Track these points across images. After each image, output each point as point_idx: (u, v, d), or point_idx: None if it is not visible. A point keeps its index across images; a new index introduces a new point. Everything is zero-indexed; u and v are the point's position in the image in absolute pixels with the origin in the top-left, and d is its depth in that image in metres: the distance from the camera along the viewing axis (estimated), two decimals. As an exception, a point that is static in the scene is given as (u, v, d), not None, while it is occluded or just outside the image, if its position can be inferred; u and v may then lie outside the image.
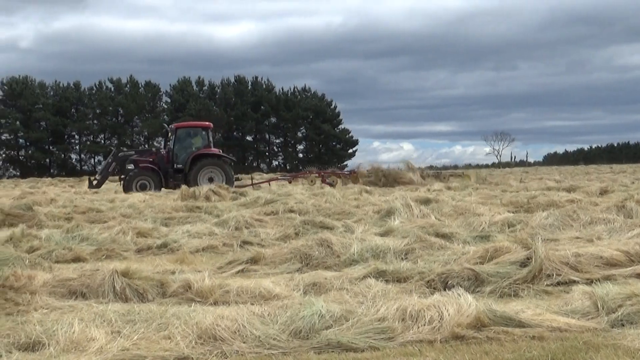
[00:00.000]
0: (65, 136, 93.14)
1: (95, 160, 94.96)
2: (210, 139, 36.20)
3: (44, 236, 11.80)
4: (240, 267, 9.21)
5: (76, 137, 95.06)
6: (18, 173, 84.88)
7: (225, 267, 9.38)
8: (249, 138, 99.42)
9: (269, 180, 40.62)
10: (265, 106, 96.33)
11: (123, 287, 7.35)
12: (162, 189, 32.67)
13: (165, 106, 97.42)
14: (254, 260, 9.46)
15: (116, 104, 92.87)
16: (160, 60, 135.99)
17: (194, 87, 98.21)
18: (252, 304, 6.46)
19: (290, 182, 37.67)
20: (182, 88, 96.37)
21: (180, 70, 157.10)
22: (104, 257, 10.64)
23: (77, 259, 10.28)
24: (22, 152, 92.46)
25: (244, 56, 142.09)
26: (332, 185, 34.21)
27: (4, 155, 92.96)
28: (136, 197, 23.48)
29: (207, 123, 38.24)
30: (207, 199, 21.50)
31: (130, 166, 34.91)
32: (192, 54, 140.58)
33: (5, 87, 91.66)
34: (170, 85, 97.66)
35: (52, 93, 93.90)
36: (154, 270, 8.56)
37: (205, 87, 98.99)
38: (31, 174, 75.43)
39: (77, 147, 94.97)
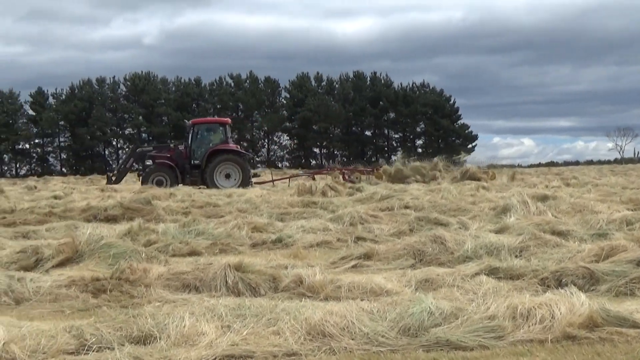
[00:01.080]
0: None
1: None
2: (228, 135, 36.03)
3: (160, 230, 12.07)
4: (353, 263, 9.23)
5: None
6: (140, 167, 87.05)
7: (338, 262, 9.42)
8: (367, 133, 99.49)
9: (289, 177, 40.55)
10: (383, 101, 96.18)
11: (235, 281, 7.44)
12: (180, 185, 32.82)
13: (284, 101, 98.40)
14: (367, 256, 9.46)
15: (236, 99, 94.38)
16: (280, 57, 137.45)
17: (312, 83, 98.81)
18: (362, 300, 6.45)
19: (314, 179, 37.17)
20: (301, 84, 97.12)
21: (300, 66, 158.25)
22: (218, 251, 10.83)
23: (192, 253, 10.48)
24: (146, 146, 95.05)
25: (364, 52, 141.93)
26: (353, 182, 33.34)
27: (127, 149, 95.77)
28: (253, 192, 23.81)
29: (225, 119, 38.34)
30: (324, 194, 21.62)
31: (149, 162, 35.36)
32: (313, 50, 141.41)
33: (129, 83, 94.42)
34: (289, 81, 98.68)
35: (173, 89, 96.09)
36: (267, 264, 8.64)
37: (324, 83, 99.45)
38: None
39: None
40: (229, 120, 38.04)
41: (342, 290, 7.15)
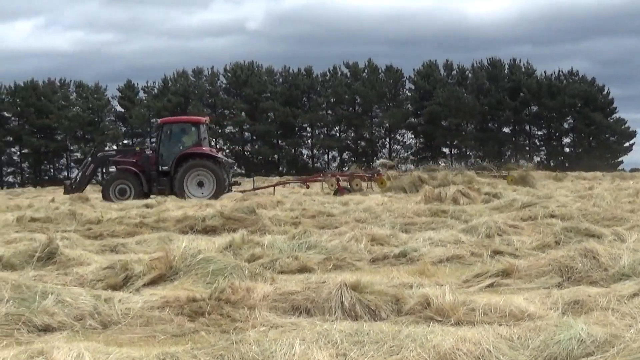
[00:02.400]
0: (296, 128, 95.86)
1: (329, 156, 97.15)
2: (202, 136, 35.32)
3: (266, 243, 12.17)
4: (489, 281, 9.14)
5: (308, 129, 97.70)
6: (243, 171, 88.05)
7: (472, 280, 9.34)
8: (505, 130, 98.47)
9: (274, 185, 39.69)
10: (524, 93, 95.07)
11: (352, 303, 7.45)
12: (147, 195, 32.38)
13: (409, 94, 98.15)
14: (505, 273, 9.35)
15: (353, 91, 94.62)
16: (403, 42, 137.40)
17: (441, 72, 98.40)
18: (500, 325, 6.38)
19: (307, 187, 36.99)
20: (428, 73, 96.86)
21: (426, 53, 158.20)
22: (333, 267, 10.87)
23: (303, 269, 10.56)
24: (248, 147, 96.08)
25: (502, 35, 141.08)
26: (349, 190, 33.13)
27: (227, 150, 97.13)
28: (373, 199, 23.84)
29: (198, 118, 37.72)
30: (455, 201, 21.49)
31: (113, 169, 35.04)
32: (440, 34, 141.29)
33: (229, 74, 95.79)
34: (414, 70, 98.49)
35: (280, 80, 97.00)
36: (388, 283, 8.63)
37: (454, 72, 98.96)
38: (258, 171, 77.89)
39: (309, 141, 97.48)
40: (203, 119, 37.28)
41: (476, 314, 7.09)
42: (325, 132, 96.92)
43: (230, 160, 39.77)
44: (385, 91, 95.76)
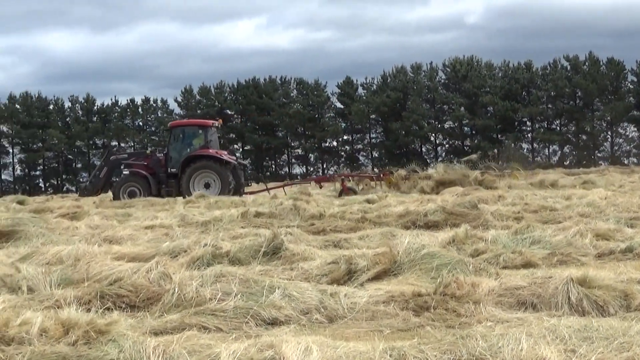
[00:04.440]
0: (516, 123, 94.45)
1: (550, 150, 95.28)
2: (210, 138, 35.37)
3: (489, 238, 12.09)
4: None
5: (528, 123, 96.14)
6: (463, 166, 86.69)
7: None
8: None
9: (283, 185, 38.87)
10: None
11: (579, 298, 7.31)
12: (154, 196, 31.95)
13: (631, 86, 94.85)
14: None
15: (573, 85, 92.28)
16: (625, 34, 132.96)
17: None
18: None
19: (320, 187, 35.97)
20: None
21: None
22: (557, 262, 10.68)
23: (527, 265, 10.39)
24: (467, 142, 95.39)
25: None
26: (355, 191, 31.90)
27: (447, 145, 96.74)
28: (596, 193, 23.22)
29: (206, 121, 37.65)
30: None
31: (126, 171, 35.19)
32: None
33: (448, 69, 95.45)
34: (636, 62, 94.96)
35: (500, 74, 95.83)
36: (616, 278, 8.39)
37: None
38: (477, 166, 76.99)
39: (529, 135, 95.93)
40: (211, 122, 37.45)
41: None
42: (546, 125, 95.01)
43: (243, 162, 40.86)
44: (606, 84, 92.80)
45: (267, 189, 37.42)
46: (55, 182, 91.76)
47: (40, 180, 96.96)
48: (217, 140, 38.35)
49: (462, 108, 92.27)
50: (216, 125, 37.93)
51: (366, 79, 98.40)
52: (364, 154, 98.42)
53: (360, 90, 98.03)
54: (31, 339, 5.80)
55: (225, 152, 38.25)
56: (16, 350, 5.68)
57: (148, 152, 40.08)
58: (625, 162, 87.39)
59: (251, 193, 36.02)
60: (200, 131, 36.57)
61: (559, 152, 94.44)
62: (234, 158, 38.09)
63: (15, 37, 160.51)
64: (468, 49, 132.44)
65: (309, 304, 7.68)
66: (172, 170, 35.55)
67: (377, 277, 9.22)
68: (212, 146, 36.15)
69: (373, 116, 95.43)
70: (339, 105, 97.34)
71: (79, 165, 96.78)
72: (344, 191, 32.18)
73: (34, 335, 5.84)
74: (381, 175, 35.82)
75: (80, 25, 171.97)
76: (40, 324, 5.95)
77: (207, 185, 34.67)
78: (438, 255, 9.46)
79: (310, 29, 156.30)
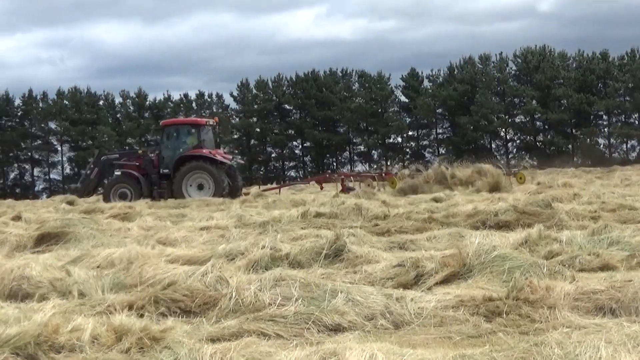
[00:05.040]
0: (591, 117, 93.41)
1: (628, 146, 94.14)
2: (204, 137, 35.55)
3: (564, 239, 11.97)
4: None
5: (604, 117, 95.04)
6: (535, 162, 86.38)
7: None
8: None
9: (279, 187, 39.56)
10: None
11: (661, 303, 7.23)
12: (146, 198, 32.07)
13: None
14: None
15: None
16: None
17: None
18: None
19: (322, 188, 35.92)
20: None
21: None
22: (637, 264, 10.53)
23: (604, 267, 10.26)
24: (540, 137, 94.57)
25: None
26: (353, 190, 31.94)
27: (518, 141, 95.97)
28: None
29: (198, 120, 37.87)
30: None
31: (118, 172, 35.44)
32: None
33: (519, 60, 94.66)
34: None
35: (574, 65, 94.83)
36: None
37: None
38: (550, 163, 76.32)
39: (606, 130, 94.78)
40: (204, 120, 37.62)
41: None
42: (623, 119, 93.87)
43: (240, 162, 41.55)
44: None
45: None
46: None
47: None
48: (212, 139, 38.86)
49: (534, 101, 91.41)
50: (211, 123, 38.45)
51: (432, 70, 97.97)
52: (430, 150, 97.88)
53: (425, 82, 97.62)
54: (82, 346, 5.87)
55: (222, 152, 38.98)
56: (66, 357, 5.76)
57: (140, 152, 40.29)
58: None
59: (246, 194, 36.10)
60: (194, 130, 36.94)
61: (638, 147, 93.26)
62: (230, 158, 38.44)
63: (63, 30, 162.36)
64: (540, 38, 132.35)
65: (374, 309, 7.65)
66: (164, 171, 36.02)
67: (445, 281, 9.15)
68: (206, 146, 36.58)
69: (439, 110, 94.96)
70: (403, 99, 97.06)
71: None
72: (343, 191, 32.78)
73: (85, 342, 5.91)
74: (382, 175, 36.34)
75: (131, 17, 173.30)
76: (92, 331, 6.02)
77: (200, 187, 35.15)
78: (510, 258, 9.37)
79: (372, 18, 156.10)
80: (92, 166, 39.40)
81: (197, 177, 35.24)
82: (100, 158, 39.37)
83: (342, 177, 36.93)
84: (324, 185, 38.14)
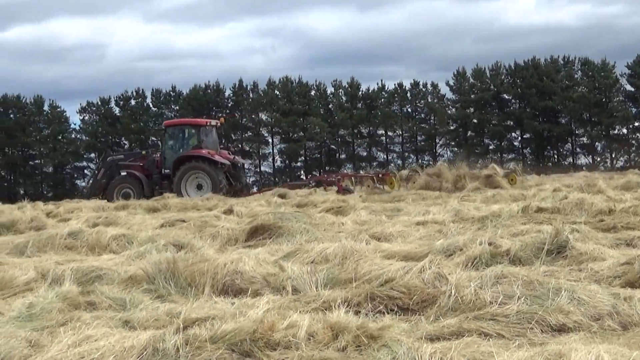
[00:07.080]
0: None
1: None
2: (204, 138, 35.97)
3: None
4: None
5: None
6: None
7: None
8: None
9: (269, 189, 39.04)
10: None
11: None
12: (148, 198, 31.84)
13: None
14: None
15: None
16: None
17: None
18: None
19: (325, 189, 34.93)
20: None
21: None
22: None
23: None
24: None
25: None
26: (350, 191, 31.75)
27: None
28: None
29: (199, 120, 38.67)
30: None
31: (124, 172, 36.31)
32: None
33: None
34: None
35: None
36: None
37: None
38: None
39: None
40: (205, 121, 38.22)
41: None
42: None
43: (242, 161, 42.20)
44: None
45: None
46: (318, 174, 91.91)
47: (302, 172, 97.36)
48: (216, 140, 39.81)
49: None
50: (213, 124, 39.42)
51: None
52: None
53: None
54: (298, 343, 5.96)
55: (226, 153, 39.70)
56: (282, 355, 5.86)
57: (144, 152, 41.62)
58: None
59: (246, 195, 36.76)
60: (193, 131, 38.12)
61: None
62: (232, 158, 39.28)
63: (275, 18, 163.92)
64: None
65: (600, 308, 7.47)
66: (165, 171, 37.32)
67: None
68: (208, 146, 37.54)
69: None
70: (629, 87, 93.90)
71: (343, 156, 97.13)
72: (339, 191, 32.99)
73: (300, 339, 6.00)
74: (380, 175, 36.02)
75: (346, 4, 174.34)
76: (308, 328, 6.10)
77: (199, 187, 36.15)
78: None
79: (597, 3, 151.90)
80: (99, 167, 41.16)
81: (196, 177, 36.50)
82: (106, 159, 40.74)
83: (339, 177, 37.23)
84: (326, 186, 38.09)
